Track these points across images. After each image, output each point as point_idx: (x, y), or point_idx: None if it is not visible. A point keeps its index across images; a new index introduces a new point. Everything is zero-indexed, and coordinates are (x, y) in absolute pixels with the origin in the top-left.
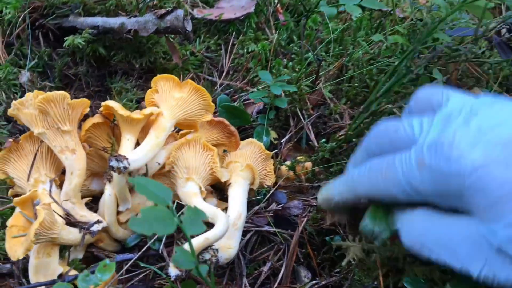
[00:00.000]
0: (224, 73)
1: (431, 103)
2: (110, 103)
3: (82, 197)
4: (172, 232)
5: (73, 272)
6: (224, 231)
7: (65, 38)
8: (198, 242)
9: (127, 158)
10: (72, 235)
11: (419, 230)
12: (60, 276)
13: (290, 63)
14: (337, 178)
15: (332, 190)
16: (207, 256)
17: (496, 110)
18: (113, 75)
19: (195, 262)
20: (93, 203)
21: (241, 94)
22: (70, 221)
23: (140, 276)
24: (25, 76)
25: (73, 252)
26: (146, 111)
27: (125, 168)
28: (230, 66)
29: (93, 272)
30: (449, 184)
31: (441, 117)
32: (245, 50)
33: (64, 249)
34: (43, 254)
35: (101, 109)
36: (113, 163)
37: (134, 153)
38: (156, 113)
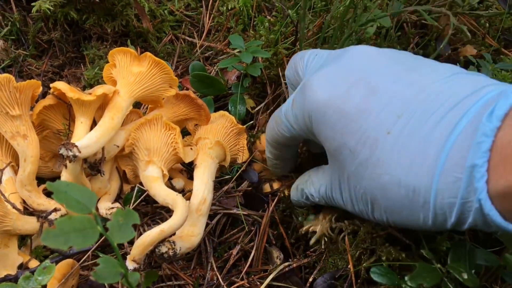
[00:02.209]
0: (204, 33)
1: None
2: (58, 84)
3: (47, 179)
4: (93, 244)
5: (34, 262)
6: (182, 221)
7: (32, 4)
8: (152, 235)
9: (76, 146)
10: (28, 225)
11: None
12: (21, 267)
13: (267, 24)
14: None
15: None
16: (163, 249)
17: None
18: (88, 40)
19: (123, 272)
20: None
21: (221, 57)
22: (28, 210)
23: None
24: None
25: (35, 239)
26: (98, 91)
27: (74, 156)
28: (211, 25)
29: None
30: (305, 119)
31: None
32: (225, 8)
33: (26, 236)
34: (0, 245)
35: (51, 90)
36: (62, 151)
37: (85, 139)
38: (110, 92)
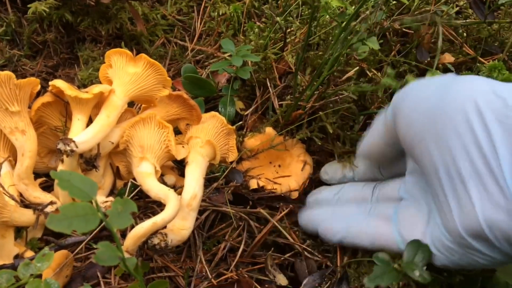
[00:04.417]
0: (196, 38)
1: None
2: (57, 83)
3: (42, 174)
4: (93, 228)
5: (30, 253)
6: (174, 214)
7: (28, 6)
8: (145, 227)
9: (74, 141)
10: (25, 217)
11: None
12: (16, 257)
13: (257, 29)
14: None
15: None
16: (155, 241)
17: None
18: (82, 42)
19: (121, 257)
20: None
21: (212, 60)
22: (25, 203)
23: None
24: None
25: (31, 231)
26: (95, 90)
27: (72, 151)
28: (202, 30)
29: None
30: None
31: None
32: (217, 13)
33: (22, 228)
34: None
35: (50, 88)
36: (60, 146)
37: (82, 135)
38: (106, 91)
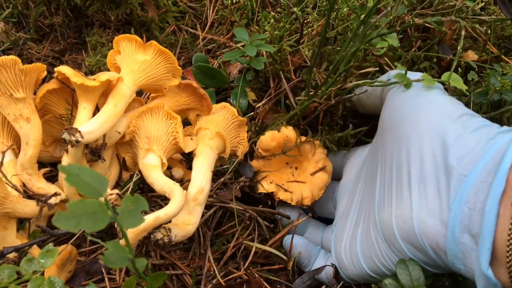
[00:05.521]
0: (207, 26)
1: None
2: (63, 69)
3: (47, 163)
4: (103, 228)
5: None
6: (178, 210)
7: None
8: (147, 222)
9: (79, 131)
10: (28, 208)
11: None
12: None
13: (272, 20)
14: None
15: None
16: (158, 235)
17: None
18: (90, 26)
19: (131, 258)
20: (56, 170)
21: (224, 50)
22: (28, 193)
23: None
24: None
25: (34, 223)
26: (103, 77)
27: (77, 141)
28: (214, 18)
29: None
30: None
31: None
32: (230, 1)
33: (25, 219)
34: None
35: (55, 74)
36: (65, 135)
37: (88, 124)
38: (114, 78)
